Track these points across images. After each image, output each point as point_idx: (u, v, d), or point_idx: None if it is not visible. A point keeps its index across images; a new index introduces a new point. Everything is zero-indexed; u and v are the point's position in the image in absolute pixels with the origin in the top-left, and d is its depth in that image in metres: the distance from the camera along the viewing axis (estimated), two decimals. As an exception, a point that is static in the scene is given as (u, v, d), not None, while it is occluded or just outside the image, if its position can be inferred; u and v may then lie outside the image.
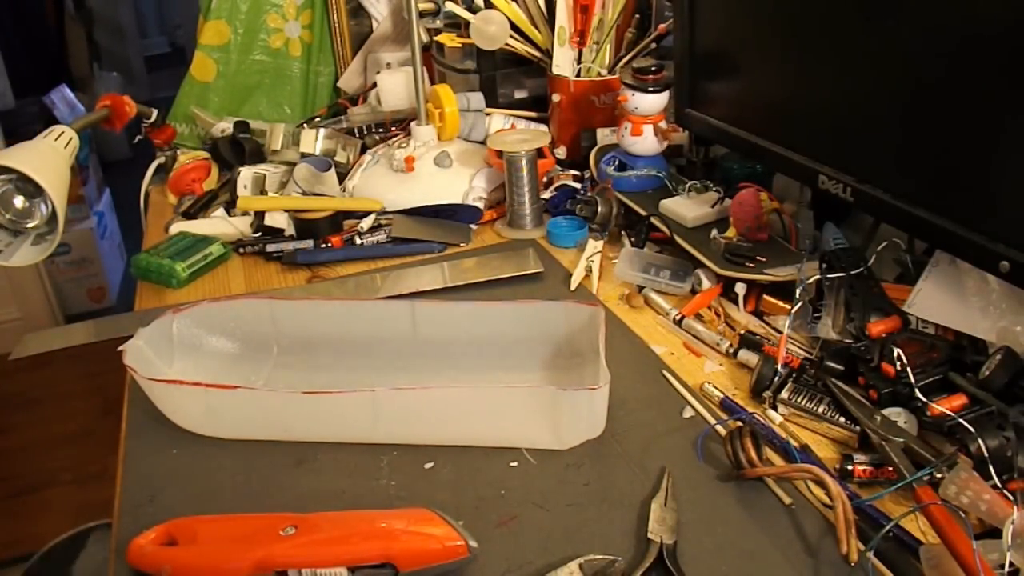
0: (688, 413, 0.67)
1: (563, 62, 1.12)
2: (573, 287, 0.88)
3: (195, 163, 1.21)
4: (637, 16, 1.11)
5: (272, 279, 0.97)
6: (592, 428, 0.64)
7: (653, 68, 0.96)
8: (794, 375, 0.69)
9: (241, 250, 1.03)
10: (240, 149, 1.24)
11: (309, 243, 1.00)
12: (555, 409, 0.62)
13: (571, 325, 0.72)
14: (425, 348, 0.74)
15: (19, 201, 0.95)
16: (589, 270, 0.90)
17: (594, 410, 0.63)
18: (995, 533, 0.52)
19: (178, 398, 0.65)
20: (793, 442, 0.63)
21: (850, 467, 0.60)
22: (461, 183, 1.08)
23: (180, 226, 1.06)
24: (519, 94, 1.24)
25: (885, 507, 0.56)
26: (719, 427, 0.65)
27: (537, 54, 1.17)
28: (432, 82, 1.31)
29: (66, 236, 2.19)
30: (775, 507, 0.57)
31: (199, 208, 1.13)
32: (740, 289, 0.81)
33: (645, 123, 0.98)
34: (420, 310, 0.74)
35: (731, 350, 0.75)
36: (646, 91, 0.96)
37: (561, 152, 1.14)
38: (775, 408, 0.67)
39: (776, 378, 0.68)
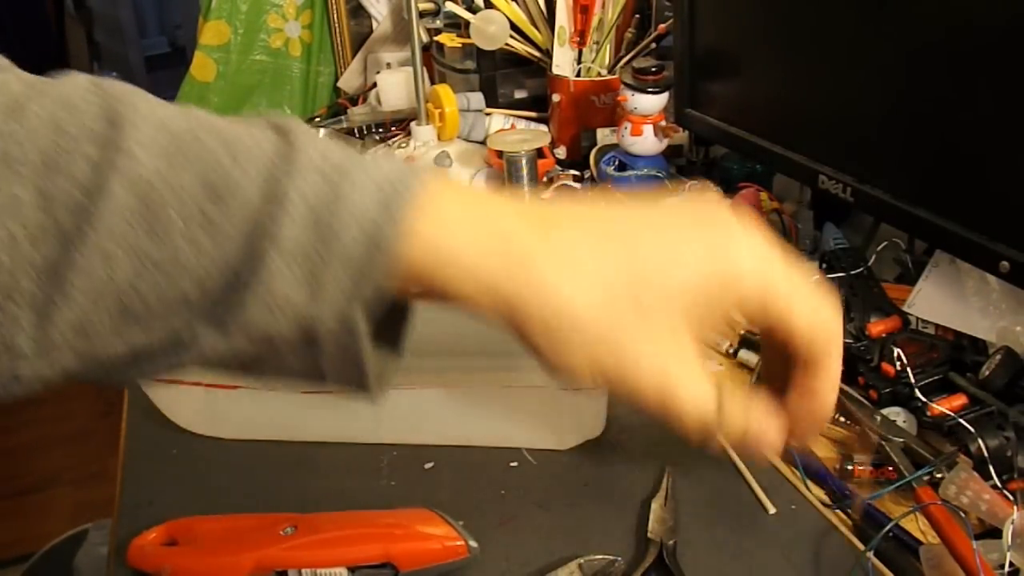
0: (688, 413, 0.67)
1: (563, 62, 1.12)
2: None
3: (195, 163, 1.21)
4: (637, 16, 1.11)
5: (272, 279, 0.97)
6: (592, 428, 0.64)
7: (653, 68, 0.96)
8: (794, 375, 0.68)
9: (241, 250, 1.02)
10: (240, 149, 1.24)
11: (309, 243, 1.00)
12: (555, 409, 0.61)
13: None
14: (425, 348, 0.74)
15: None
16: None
17: (594, 410, 0.63)
18: (995, 533, 0.52)
19: (178, 398, 0.65)
20: (793, 442, 0.63)
21: (850, 467, 0.60)
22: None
23: (180, 226, 1.06)
24: (519, 94, 1.24)
25: (885, 507, 0.56)
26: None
27: (537, 54, 1.17)
28: (432, 82, 1.31)
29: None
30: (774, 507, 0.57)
31: (199, 208, 1.13)
32: (740, 289, 0.81)
33: (645, 123, 0.98)
34: (420, 310, 0.74)
35: (731, 350, 0.75)
36: (646, 91, 0.96)
37: (561, 152, 1.14)
38: (775, 408, 0.67)
39: (776, 378, 0.68)
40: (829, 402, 0.39)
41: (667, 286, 0.35)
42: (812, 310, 0.38)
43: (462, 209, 0.34)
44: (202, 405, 0.64)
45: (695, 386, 0.37)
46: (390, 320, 0.39)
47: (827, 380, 0.39)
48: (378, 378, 0.38)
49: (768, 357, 0.44)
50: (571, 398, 0.61)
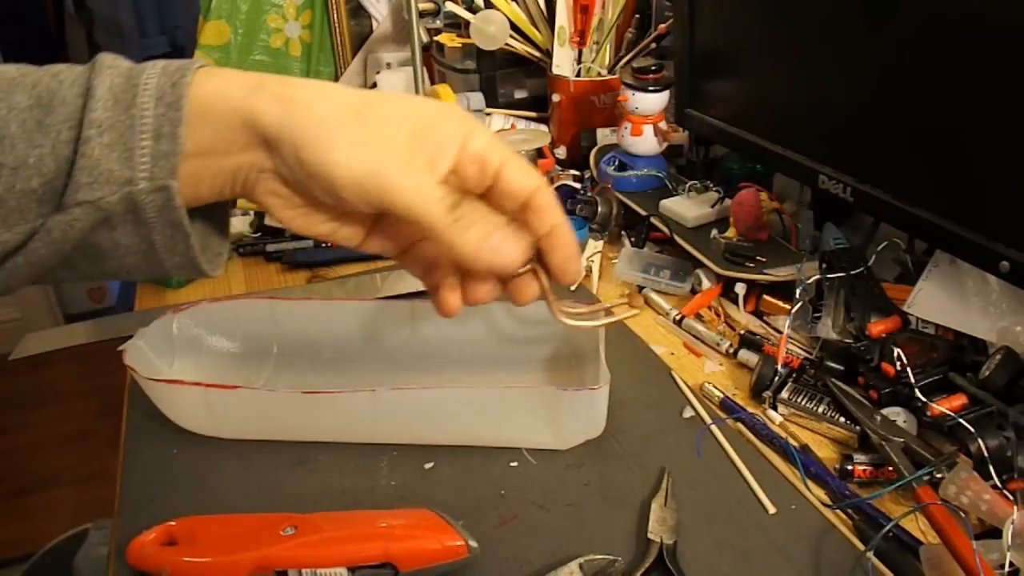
0: (688, 413, 0.67)
1: (563, 62, 1.12)
2: (573, 287, 0.88)
3: (195, 163, 1.21)
4: (637, 16, 1.11)
5: (272, 279, 0.97)
6: (592, 428, 0.64)
7: (653, 68, 0.96)
8: (794, 375, 0.69)
9: (241, 250, 1.03)
10: (240, 149, 1.24)
11: (309, 243, 1.00)
12: (555, 409, 0.62)
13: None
14: (425, 348, 0.74)
15: (19, 201, 0.95)
16: (589, 270, 0.90)
17: (594, 410, 0.63)
18: (995, 533, 0.52)
19: (178, 398, 0.65)
20: (793, 442, 0.63)
21: (850, 467, 0.60)
22: (461, 183, 1.08)
23: (180, 226, 1.06)
24: (519, 94, 1.24)
25: (885, 507, 0.56)
26: (714, 427, 0.65)
27: (537, 54, 1.17)
28: (432, 82, 1.31)
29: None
30: (774, 507, 0.57)
31: (199, 208, 1.13)
32: (740, 289, 0.81)
33: (645, 123, 0.98)
34: (420, 310, 0.74)
35: (731, 350, 0.75)
36: (646, 91, 0.96)
37: (561, 152, 1.14)
38: (775, 408, 0.67)
39: (776, 378, 0.68)
40: (565, 224, 0.48)
41: (388, 111, 0.44)
42: (517, 165, 0.46)
43: (231, 72, 0.44)
44: (202, 405, 0.64)
45: (422, 180, 0.44)
46: (213, 213, 0.47)
47: (553, 209, 0.47)
48: (206, 252, 0.46)
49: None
50: (571, 398, 0.61)
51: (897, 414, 0.63)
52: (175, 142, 0.42)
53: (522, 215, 0.48)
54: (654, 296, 0.85)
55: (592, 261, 0.91)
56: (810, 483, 0.59)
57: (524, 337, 0.73)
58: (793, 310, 0.74)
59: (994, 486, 0.55)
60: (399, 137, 0.44)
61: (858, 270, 0.73)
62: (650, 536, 0.54)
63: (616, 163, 1.02)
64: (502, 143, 0.46)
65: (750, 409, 0.67)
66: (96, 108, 0.41)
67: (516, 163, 0.46)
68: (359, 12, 1.45)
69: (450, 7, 1.19)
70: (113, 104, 0.41)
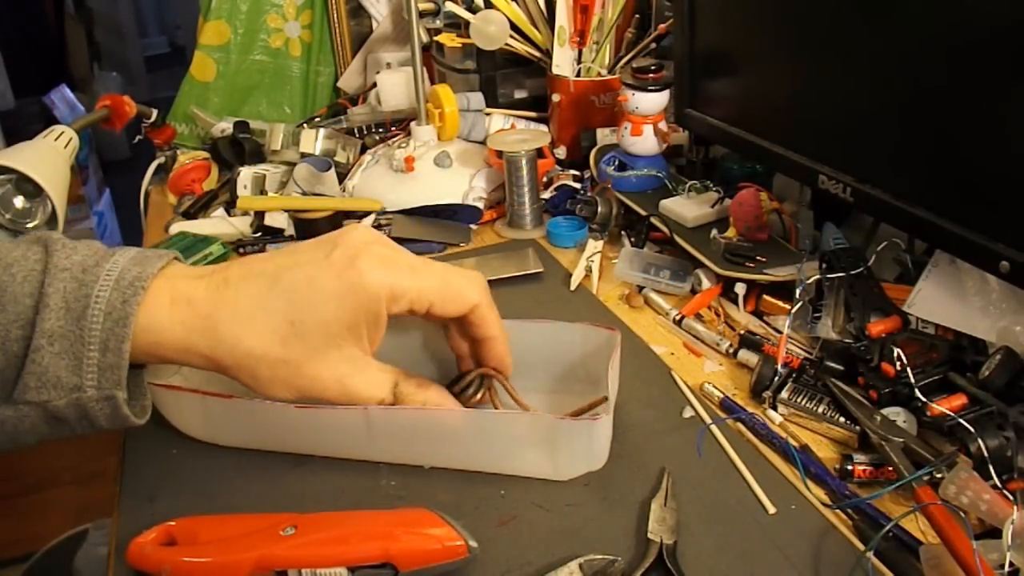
0: (688, 413, 0.67)
1: (563, 62, 1.12)
2: (573, 287, 0.88)
3: (195, 163, 1.21)
4: (637, 16, 1.11)
5: (272, 279, 0.97)
6: (592, 461, 0.61)
7: (653, 68, 0.97)
8: (794, 375, 0.69)
9: (241, 250, 1.03)
10: (240, 149, 1.24)
11: (309, 243, 1.00)
12: (552, 438, 0.59)
13: (587, 348, 0.68)
14: (435, 367, 0.72)
15: (19, 201, 0.95)
16: (589, 270, 0.90)
17: (594, 442, 0.60)
18: (995, 533, 0.52)
19: (178, 404, 0.65)
20: (793, 442, 0.63)
21: (850, 467, 0.60)
22: (461, 183, 1.08)
23: (180, 226, 1.06)
24: (519, 94, 1.24)
25: (885, 507, 0.56)
26: (714, 427, 0.65)
27: (537, 54, 1.17)
28: (432, 82, 1.31)
29: (66, 236, 2.18)
30: (774, 507, 0.57)
31: (199, 208, 1.13)
32: (740, 289, 0.81)
33: (645, 123, 0.98)
34: (426, 325, 0.71)
35: (731, 350, 0.75)
36: (646, 91, 0.96)
37: (561, 152, 1.14)
38: (775, 408, 0.67)
39: (776, 378, 0.68)
40: (503, 336, 0.59)
41: (316, 318, 0.49)
42: (455, 295, 0.54)
43: (168, 289, 0.49)
44: (200, 412, 0.64)
45: (366, 378, 0.53)
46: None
47: (492, 324, 0.57)
48: (134, 408, 0.52)
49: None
50: (568, 428, 0.59)
51: (897, 414, 0.63)
52: (120, 356, 0.46)
53: (464, 326, 0.57)
54: (654, 296, 0.85)
55: (592, 261, 0.91)
56: (810, 483, 0.59)
57: (537, 358, 0.69)
58: (793, 310, 0.74)
59: (994, 486, 0.55)
60: (329, 342, 0.50)
61: (858, 270, 0.73)
62: (650, 536, 0.54)
63: (616, 163, 1.02)
64: (424, 278, 0.52)
65: (750, 409, 0.67)
66: (49, 318, 0.44)
67: (443, 295, 0.52)
68: (359, 12, 1.45)
69: (450, 7, 1.19)
70: (65, 313, 0.44)
